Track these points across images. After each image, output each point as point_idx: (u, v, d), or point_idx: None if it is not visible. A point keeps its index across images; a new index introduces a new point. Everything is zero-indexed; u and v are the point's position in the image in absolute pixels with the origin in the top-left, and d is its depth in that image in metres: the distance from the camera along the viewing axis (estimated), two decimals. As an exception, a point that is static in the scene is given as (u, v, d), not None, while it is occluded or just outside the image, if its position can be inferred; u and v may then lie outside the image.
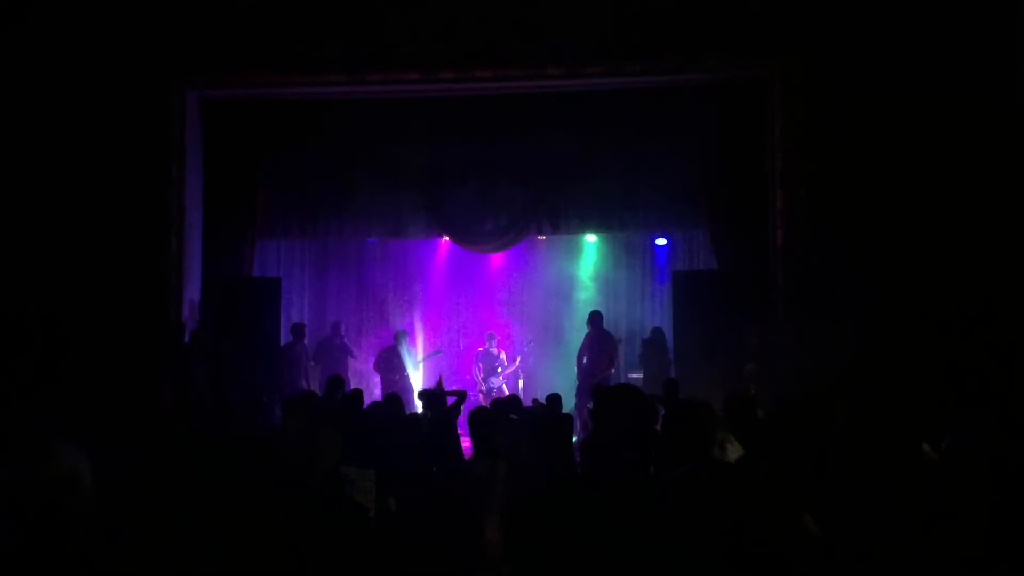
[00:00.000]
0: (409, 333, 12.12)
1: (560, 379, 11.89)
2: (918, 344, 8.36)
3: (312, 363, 11.16)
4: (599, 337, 10.85)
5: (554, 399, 8.41)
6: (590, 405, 9.68)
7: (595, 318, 10.94)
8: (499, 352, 12.20)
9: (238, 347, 9.59)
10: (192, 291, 10.01)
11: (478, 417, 5.92)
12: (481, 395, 11.70)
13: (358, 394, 7.83)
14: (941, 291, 8.46)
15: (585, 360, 11.12)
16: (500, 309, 13.23)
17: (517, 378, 12.67)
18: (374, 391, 11.18)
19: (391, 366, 11.44)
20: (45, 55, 9.43)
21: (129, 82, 9.48)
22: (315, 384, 10.89)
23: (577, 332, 12.11)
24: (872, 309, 8.59)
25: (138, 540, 4.85)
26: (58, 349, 8.80)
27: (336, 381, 8.47)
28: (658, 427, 6.25)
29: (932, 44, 8.66)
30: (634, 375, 11.76)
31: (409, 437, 6.94)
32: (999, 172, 8.55)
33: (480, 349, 12.24)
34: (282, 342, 10.82)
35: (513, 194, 11.21)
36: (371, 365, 11.93)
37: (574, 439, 8.58)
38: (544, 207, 11.20)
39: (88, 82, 9.44)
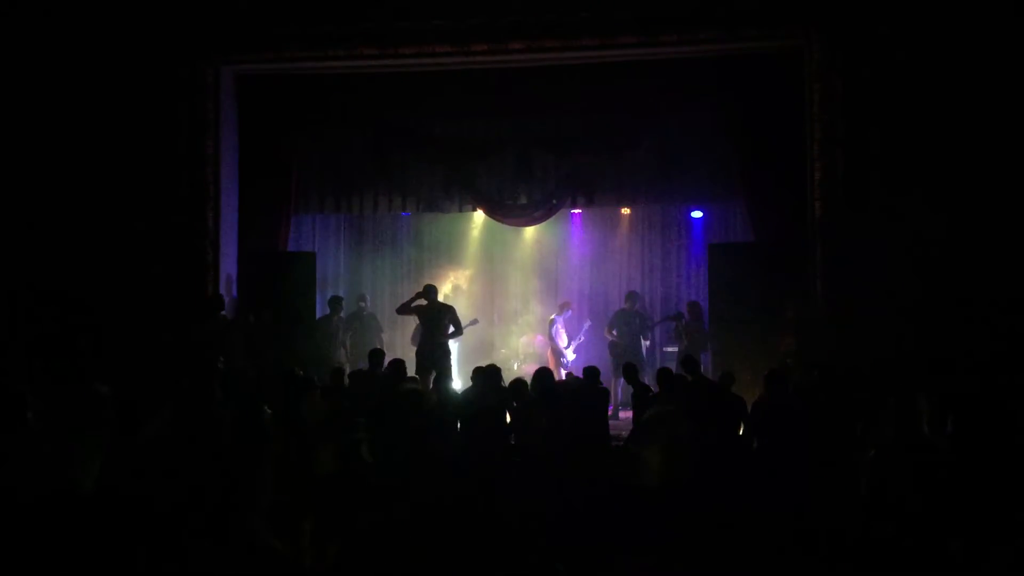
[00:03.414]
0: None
1: (597, 351, 11.87)
2: (957, 318, 8.22)
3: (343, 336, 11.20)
4: (428, 307, 10.27)
5: (591, 371, 8.39)
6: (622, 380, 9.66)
7: (427, 290, 10.35)
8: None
9: (273, 321, 9.67)
10: (228, 266, 10.10)
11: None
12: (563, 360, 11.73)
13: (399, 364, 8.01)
14: (982, 266, 8.29)
15: (615, 333, 11.07)
16: (535, 282, 13.19)
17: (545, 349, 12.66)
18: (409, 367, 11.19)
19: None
20: (80, 33, 9.50)
21: (164, 59, 9.53)
22: (348, 356, 10.99)
23: (612, 305, 12.06)
24: (911, 283, 8.44)
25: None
26: (97, 326, 8.94)
27: (377, 355, 8.59)
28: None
29: (972, 11, 8.44)
30: (670, 349, 11.71)
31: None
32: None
33: (553, 316, 12.13)
34: (318, 316, 10.90)
35: (547, 167, 11.15)
36: (407, 338, 11.97)
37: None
38: (578, 180, 11.13)
39: (123, 60, 9.51)
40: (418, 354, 10.16)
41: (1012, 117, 8.40)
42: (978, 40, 8.45)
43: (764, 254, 9.84)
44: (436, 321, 10.06)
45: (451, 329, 10.16)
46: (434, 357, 9.80)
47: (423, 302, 10.12)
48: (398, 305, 10.63)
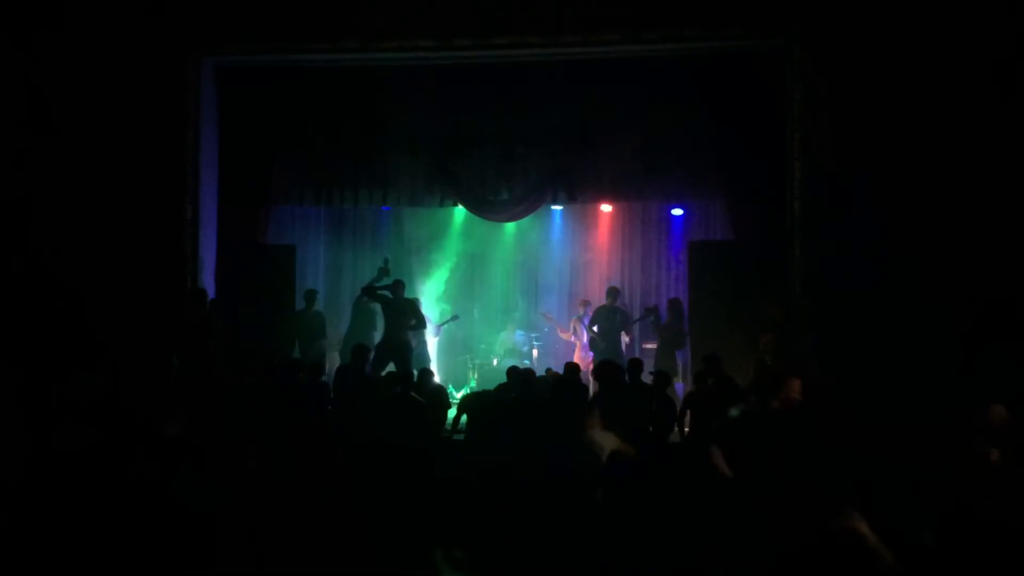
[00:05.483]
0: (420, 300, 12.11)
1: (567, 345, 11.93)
2: (934, 316, 8.30)
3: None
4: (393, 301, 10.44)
5: (572, 368, 8.45)
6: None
7: (395, 285, 10.55)
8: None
9: (251, 313, 9.65)
10: (207, 258, 10.03)
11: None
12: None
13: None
14: (964, 266, 8.36)
15: (596, 330, 11.10)
16: (516, 278, 13.21)
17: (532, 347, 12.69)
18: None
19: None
20: (60, 26, 9.40)
21: (145, 50, 9.44)
22: (328, 349, 11.01)
23: (593, 302, 12.08)
24: (889, 281, 8.51)
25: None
26: (75, 315, 8.87)
27: (362, 350, 8.58)
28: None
29: (954, 13, 8.51)
30: (649, 345, 11.76)
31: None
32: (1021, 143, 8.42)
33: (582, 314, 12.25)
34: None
35: (529, 163, 11.14)
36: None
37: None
38: (560, 176, 11.14)
39: (103, 52, 9.41)
40: (378, 346, 10.18)
41: (995, 116, 8.46)
42: (960, 42, 8.52)
43: (743, 252, 9.91)
44: (399, 315, 10.16)
45: (412, 322, 10.23)
46: (394, 350, 9.89)
47: (388, 294, 10.22)
48: (366, 286, 10.69)
